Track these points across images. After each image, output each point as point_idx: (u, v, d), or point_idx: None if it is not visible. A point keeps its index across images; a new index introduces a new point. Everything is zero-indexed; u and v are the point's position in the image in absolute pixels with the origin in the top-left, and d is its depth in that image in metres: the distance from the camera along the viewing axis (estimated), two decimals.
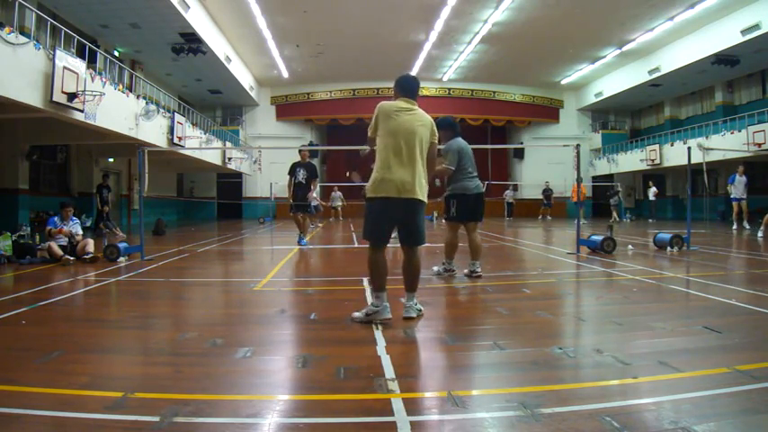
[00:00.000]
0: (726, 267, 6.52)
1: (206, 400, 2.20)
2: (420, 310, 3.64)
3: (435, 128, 3.65)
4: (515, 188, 25.83)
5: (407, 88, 3.63)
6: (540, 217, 22.23)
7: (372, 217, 3.51)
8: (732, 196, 13.76)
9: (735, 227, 13.35)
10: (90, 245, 7.40)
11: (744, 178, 13.62)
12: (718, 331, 3.21)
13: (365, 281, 5.24)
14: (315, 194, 10.45)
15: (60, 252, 7.17)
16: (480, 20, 17.57)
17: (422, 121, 3.55)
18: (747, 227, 13.18)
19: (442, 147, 5.34)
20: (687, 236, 8.21)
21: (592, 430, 1.89)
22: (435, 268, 5.77)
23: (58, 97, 9.07)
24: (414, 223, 3.56)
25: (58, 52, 9.09)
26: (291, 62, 22.23)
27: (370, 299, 4.41)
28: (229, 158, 21.10)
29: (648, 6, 15.98)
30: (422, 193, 3.49)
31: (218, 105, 25.78)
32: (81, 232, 7.83)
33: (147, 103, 13.64)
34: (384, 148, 3.47)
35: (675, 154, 19.56)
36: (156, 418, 1.98)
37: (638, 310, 4.09)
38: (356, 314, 3.54)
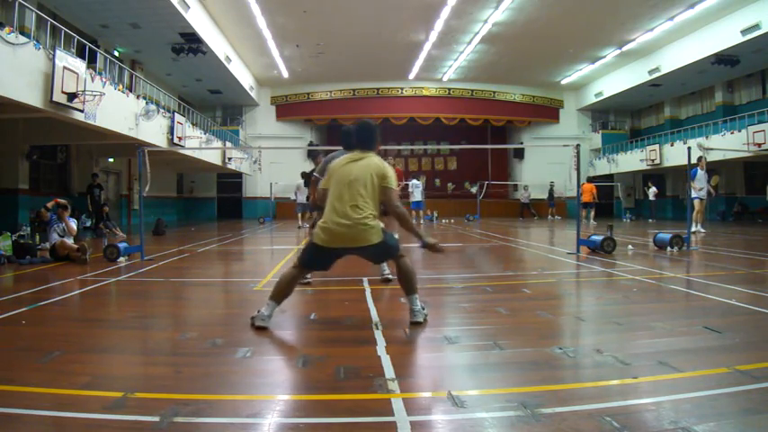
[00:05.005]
0: (726, 267, 6.52)
1: (206, 400, 2.20)
2: (426, 315, 3.59)
3: (387, 172, 3.51)
4: (524, 188, 25.77)
5: (360, 139, 3.65)
6: (548, 216, 22.50)
7: (311, 254, 3.53)
8: (694, 195, 11.17)
9: (700, 228, 11.46)
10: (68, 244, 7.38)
11: (705, 172, 11.54)
12: (718, 331, 3.21)
13: (365, 281, 5.25)
14: None
15: (75, 246, 7.17)
16: (480, 20, 17.56)
17: (368, 167, 3.48)
18: (702, 230, 11.51)
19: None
20: (687, 236, 8.21)
21: (592, 430, 1.89)
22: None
23: (58, 97, 9.06)
24: (368, 256, 3.61)
25: (58, 52, 9.09)
26: (291, 62, 22.22)
27: (369, 299, 4.43)
28: (229, 158, 21.11)
29: (648, 6, 15.98)
30: (369, 238, 3.37)
31: (218, 105, 25.77)
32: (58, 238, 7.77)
33: (147, 103, 13.64)
34: (328, 198, 3.50)
35: (675, 154, 19.55)
36: (156, 418, 1.98)
37: (638, 310, 4.09)
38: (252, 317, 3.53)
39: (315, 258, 3.56)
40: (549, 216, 22.78)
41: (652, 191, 21.05)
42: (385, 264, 5.23)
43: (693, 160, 8.97)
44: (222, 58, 18.23)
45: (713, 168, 13.29)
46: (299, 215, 15.95)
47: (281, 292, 3.50)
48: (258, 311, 3.46)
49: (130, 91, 13.46)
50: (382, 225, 3.47)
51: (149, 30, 15.10)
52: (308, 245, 3.61)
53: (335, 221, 3.37)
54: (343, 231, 3.36)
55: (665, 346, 2.93)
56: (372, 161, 3.53)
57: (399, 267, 3.54)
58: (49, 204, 7.97)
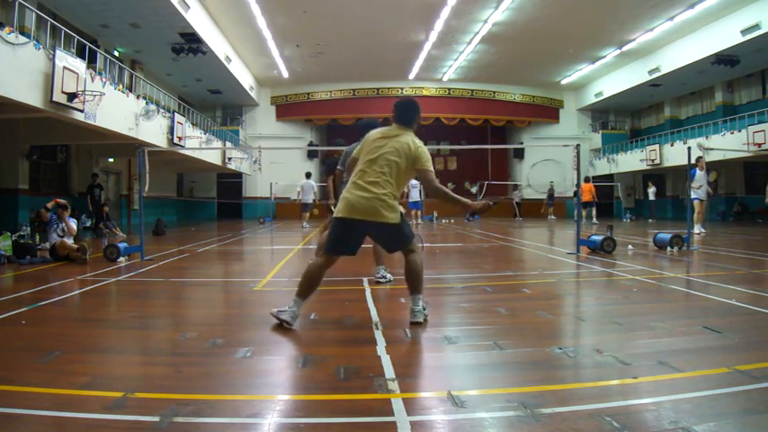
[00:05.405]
0: (726, 267, 6.52)
1: (206, 400, 2.20)
2: (426, 316, 3.56)
3: (420, 154, 3.43)
4: (516, 187, 25.86)
5: (400, 114, 3.56)
6: (547, 216, 22.55)
7: (334, 234, 3.51)
8: (694, 197, 10.93)
9: (701, 228, 11.25)
10: (68, 244, 7.38)
11: (704, 173, 11.43)
12: (718, 331, 3.21)
13: (365, 281, 5.24)
14: None
15: (75, 246, 7.17)
16: (480, 20, 17.57)
17: (399, 148, 3.40)
18: (703, 230, 11.32)
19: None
20: (687, 236, 8.21)
21: (592, 430, 1.89)
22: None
23: (58, 97, 9.06)
24: (382, 239, 3.60)
25: (58, 52, 9.08)
26: (291, 62, 22.22)
27: (369, 299, 4.42)
28: (229, 158, 21.11)
29: (648, 6, 15.98)
30: (385, 214, 3.33)
31: (218, 105, 25.77)
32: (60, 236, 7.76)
33: (147, 103, 13.65)
34: (354, 171, 3.51)
35: (675, 154, 19.54)
36: (156, 418, 1.98)
37: (638, 310, 4.08)
38: (277, 310, 3.49)
39: (339, 239, 3.47)
40: (549, 216, 22.81)
41: (652, 191, 21.05)
42: (382, 267, 5.24)
43: (693, 160, 8.96)
44: (222, 58, 18.23)
45: (712, 169, 13.31)
46: (305, 214, 16.22)
47: (307, 285, 3.46)
48: (283, 308, 3.42)
49: (130, 91, 13.46)
50: (402, 210, 3.46)
51: (149, 30, 15.10)
52: (331, 229, 3.57)
53: (354, 193, 3.38)
54: (361, 203, 3.34)
55: (665, 346, 2.93)
56: (404, 141, 3.44)
57: (408, 263, 3.50)
58: (49, 204, 7.97)
